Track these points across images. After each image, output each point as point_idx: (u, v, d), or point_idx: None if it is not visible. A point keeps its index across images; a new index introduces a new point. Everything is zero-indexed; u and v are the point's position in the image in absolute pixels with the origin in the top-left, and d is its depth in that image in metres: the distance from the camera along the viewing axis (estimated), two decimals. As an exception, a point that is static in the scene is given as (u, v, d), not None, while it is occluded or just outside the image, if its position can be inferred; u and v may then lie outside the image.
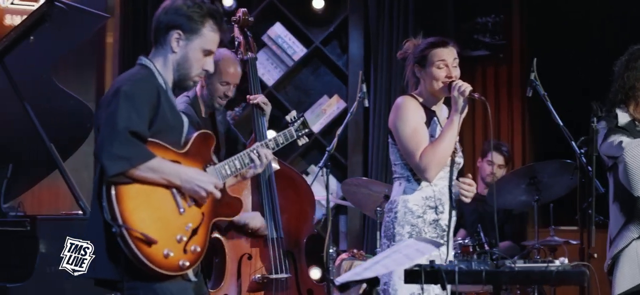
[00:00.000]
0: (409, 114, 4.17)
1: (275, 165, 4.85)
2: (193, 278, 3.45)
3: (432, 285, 3.66)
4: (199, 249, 3.38)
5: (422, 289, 3.39)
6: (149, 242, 3.24)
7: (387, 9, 7.40)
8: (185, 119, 3.54)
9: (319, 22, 7.75)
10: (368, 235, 7.26)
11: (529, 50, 7.49)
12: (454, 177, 4.22)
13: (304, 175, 7.32)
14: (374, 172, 7.28)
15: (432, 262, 3.39)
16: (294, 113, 4.26)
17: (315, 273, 7.06)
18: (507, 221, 6.50)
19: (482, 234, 5.70)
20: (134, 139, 3.27)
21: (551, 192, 5.89)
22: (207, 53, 3.51)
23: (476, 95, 4.11)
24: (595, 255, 4.12)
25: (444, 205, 4.19)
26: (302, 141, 4.25)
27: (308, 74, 7.84)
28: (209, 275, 4.70)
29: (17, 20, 6.69)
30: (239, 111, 7.37)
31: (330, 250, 5.91)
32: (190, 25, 3.46)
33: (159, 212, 3.32)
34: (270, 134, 4.64)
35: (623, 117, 4.48)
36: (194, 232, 3.38)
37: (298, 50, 7.67)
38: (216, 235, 4.65)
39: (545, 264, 3.40)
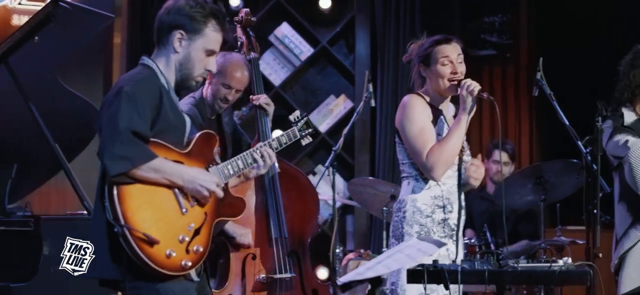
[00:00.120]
0: (415, 112, 4.15)
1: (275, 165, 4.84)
2: (195, 278, 3.45)
3: (441, 286, 3.62)
4: (201, 249, 3.37)
5: (425, 289, 3.37)
6: (151, 242, 3.24)
7: (394, 9, 7.40)
8: (187, 119, 3.53)
9: (325, 22, 7.75)
10: (375, 235, 7.25)
11: (536, 50, 7.48)
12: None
13: (311, 175, 7.36)
14: (381, 171, 7.28)
15: (435, 261, 3.39)
16: (297, 113, 4.21)
17: (322, 273, 7.07)
18: (520, 221, 6.47)
19: (488, 234, 5.68)
20: (136, 139, 3.27)
21: (558, 191, 5.88)
22: (210, 53, 3.51)
23: (485, 95, 4.08)
24: (601, 255, 4.08)
25: (452, 205, 4.18)
26: (306, 141, 4.20)
27: (315, 73, 7.83)
28: (213, 274, 4.70)
29: (24, 20, 6.69)
30: (246, 111, 7.38)
31: (337, 250, 5.91)
32: (192, 25, 3.45)
33: (161, 212, 3.31)
34: (276, 134, 4.62)
35: (629, 116, 4.45)
36: (197, 232, 3.38)
37: (305, 50, 7.67)
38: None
39: (548, 264, 3.39)
